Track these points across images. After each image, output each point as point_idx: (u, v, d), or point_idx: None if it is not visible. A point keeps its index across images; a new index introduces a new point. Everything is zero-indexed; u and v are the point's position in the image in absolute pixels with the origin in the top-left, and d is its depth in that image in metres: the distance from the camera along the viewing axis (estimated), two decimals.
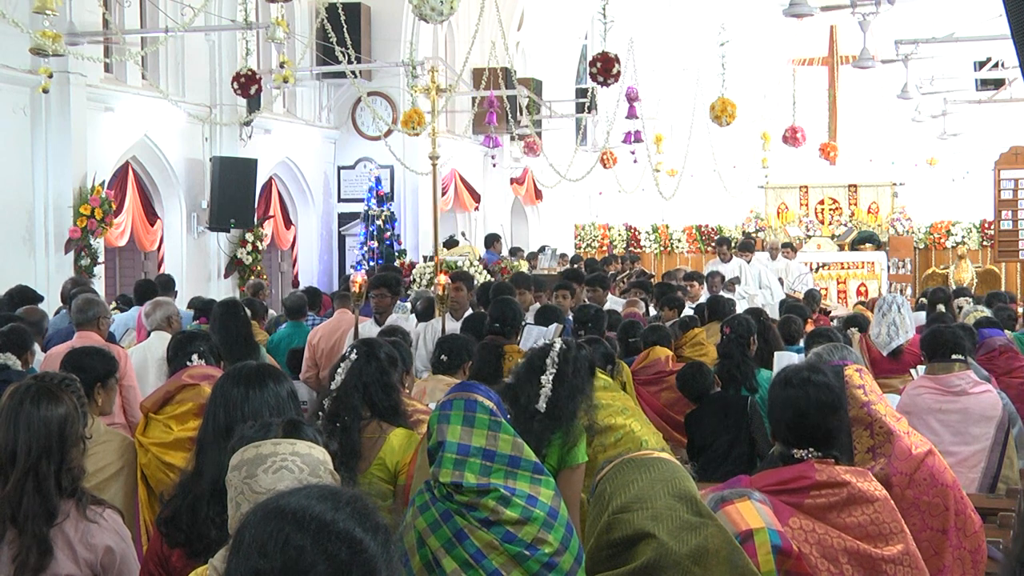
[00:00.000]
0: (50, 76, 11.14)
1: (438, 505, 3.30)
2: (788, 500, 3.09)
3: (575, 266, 16.11)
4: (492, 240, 17.33)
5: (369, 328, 7.91)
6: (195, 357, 5.04)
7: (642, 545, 2.18)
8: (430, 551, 3.28)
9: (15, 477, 3.10)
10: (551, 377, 4.15)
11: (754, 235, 21.53)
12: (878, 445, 4.00)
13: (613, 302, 10.78)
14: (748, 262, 14.91)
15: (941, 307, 8.99)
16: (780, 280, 15.47)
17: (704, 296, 11.35)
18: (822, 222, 22.91)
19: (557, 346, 4.24)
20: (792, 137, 19.76)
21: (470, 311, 8.60)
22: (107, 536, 3.18)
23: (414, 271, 13.69)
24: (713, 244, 20.22)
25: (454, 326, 7.89)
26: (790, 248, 16.94)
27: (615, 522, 2.22)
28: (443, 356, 5.67)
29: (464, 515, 3.26)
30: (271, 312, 11.62)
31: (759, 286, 14.54)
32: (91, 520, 3.15)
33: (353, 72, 13.35)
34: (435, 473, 3.32)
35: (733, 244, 15.68)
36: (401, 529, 3.45)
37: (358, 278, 7.50)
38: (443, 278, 7.87)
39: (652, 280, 14.39)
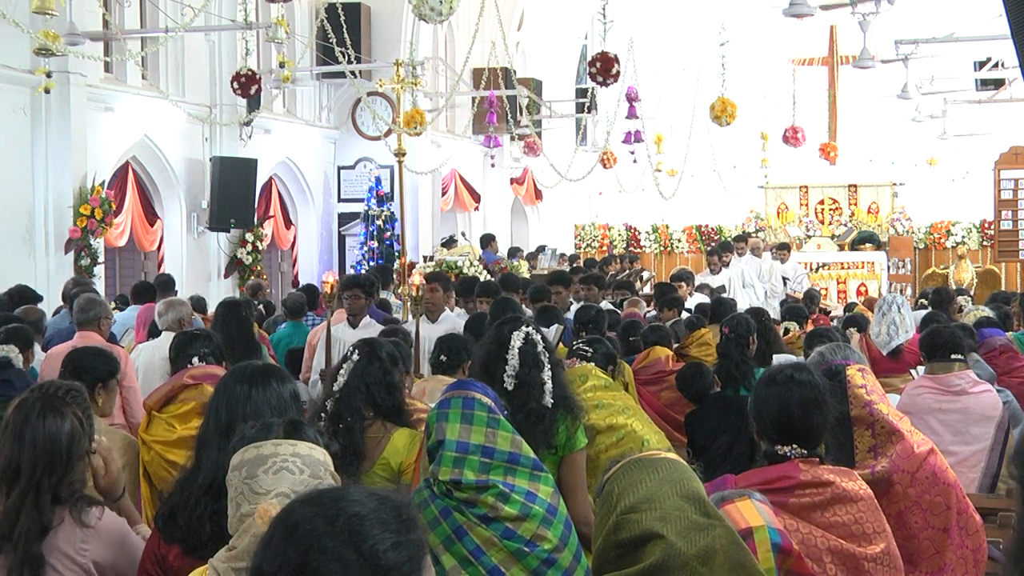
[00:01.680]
0: (48, 75, 11.14)
1: (437, 502, 3.31)
2: (773, 500, 3.10)
3: (561, 266, 16.12)
4: (488, 240, 17.35)
5: (342, 331, 7.69)
6: (195, 360, 5.04)
7: (650, 546, 2.18)
8: (429, 548, 3.29)
9: (17, 494, 3.07)
10: (550, 373, 4.10)
11: (755, 235, 21.52)
12: (880, 444, 4.00)
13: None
14: (728, 265, 14.65)
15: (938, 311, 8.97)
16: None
17: (691, 298, 11.29)
18: (822, 222, 22.91)
19: (536, 339, 4.13)
20: (792, 137, 19.77)
21: (446, 312, 8.36)
22: (103, 537, 3.16)
23: (414, 271, 13.69)
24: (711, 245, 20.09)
25: (430, 329, 7.71)
26: (783, 248, 16.62)
27: (623, 522, 2.22)
28: (442, 356, 5.65)
29: (463, 511, 3.27)
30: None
31: (743, 285, 14.47)
32: (86, 525, 3.13)
33: (353, 72, 13.34)
34: (434, 471, 3.33)
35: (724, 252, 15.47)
36: None
37: (330, 278, 7.08)
38: (417, 279, 7.45)
39: (646, 280, 14.34)
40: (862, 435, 4.02)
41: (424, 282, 8.03)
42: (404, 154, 8.33)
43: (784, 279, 15.42)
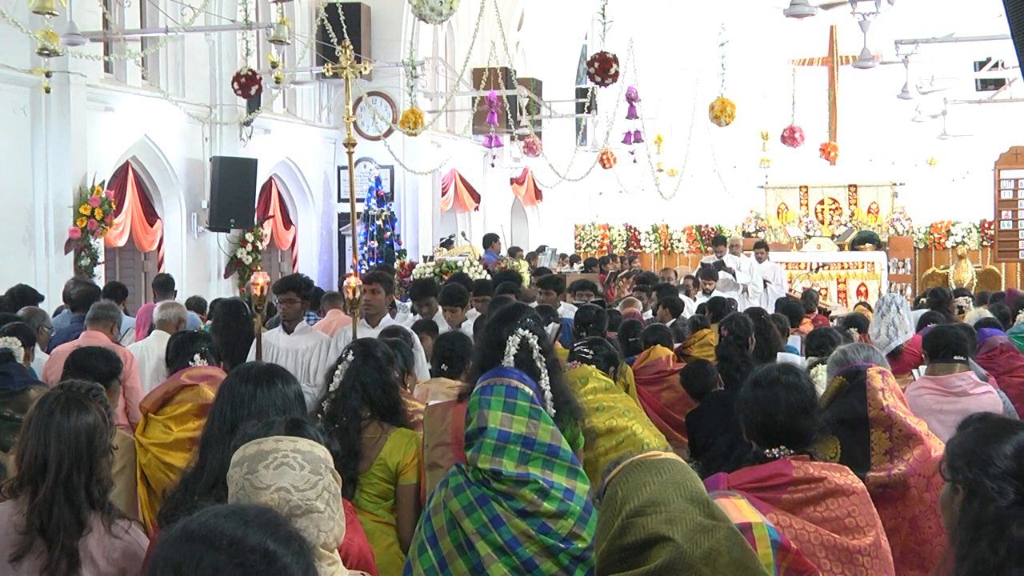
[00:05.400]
0: (48, 75, 11.13)
1: (473, 489, 3.32)
2: (765, 497, 3.10)
3: (562, 267, 16.09)
4: (491, 240, 17.35)
5: (275, 337, 7.15)
6: (197, 357, 5.03)
7: (657, 548, 2.18)
8: (463, 533, 3.31)
9: (46, 488, 3.07)
10: (547, 378, 3.91)
11: (754, 235, 21.54)
12: (896, 448, 4.01)
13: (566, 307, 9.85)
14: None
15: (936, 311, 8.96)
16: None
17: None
18: (822, 222, 22.91)
19: (533, 343, 3.92)
20: (790, 137, 19.74)
21: (388, 317, 7.68)
22: (129, 551, 3.16)
23: (414, 271, 13.70)
24: (711, 245, 20.03)
25: (370, 334, 7.21)
26: (763, 248, 16.42)
27: (629, 526, 2.22)
28: (443, 363, 5.58)
29: (501, 502, 3.28)
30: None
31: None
32: (115, 536, 3.14)
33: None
34: (473, 458, 3.34)
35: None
36: (429, 510, 3.47)
37: (259, 280, 6.31)
38: (353, 280, 6.66)
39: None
40: (879, 437, 4.02)
41: (361, 283, 7.11)
42: (354, 144, 7.85)
43: (765, 281, 15.35)
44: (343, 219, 18.62)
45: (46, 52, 9.70)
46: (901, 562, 3.71)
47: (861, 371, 4.19)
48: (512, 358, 3.83)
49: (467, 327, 7.76)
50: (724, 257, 15.26)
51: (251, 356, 6.75)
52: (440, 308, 8.52)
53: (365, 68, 8.36)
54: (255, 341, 6.61)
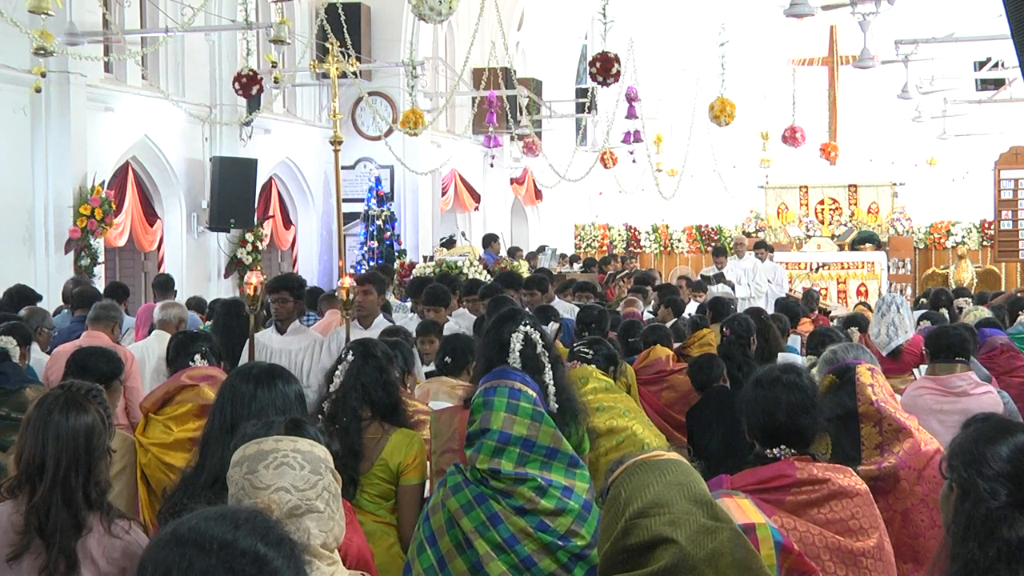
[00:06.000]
0: (43, 75, 11.12)
1: (471, 488, 3.33)
2: (769, 498, 3.10)
3: (562, 267, 16.08)
4: (490, 240, 17.35)
5: (268, 338, 6.99)
6: (198, 358, 5.02)
7: (660, 550, 2.18)
8: (461, 532, 3.31)
9: (44, 488, 3.06)
10: (551, 375, 3.94)
11: (754, 235, 21.53)
12: (887, 442, 4.02)
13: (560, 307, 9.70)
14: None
15: (944, 311, 8.95)
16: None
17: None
18: (822, 222, 22.90)
19: (536, 339, 3.93)
20: (791, 137, 19.74)
21: (380, 318, 7.53)
22: (130, 551, 3.15)
23: (414, 271, 13.70)
24: (712, 256, 20.03)
25: (362, 336, 7.02)
26: (764, 248, 16.42)
27: (632, 527, 2.22)
28: (447, 358, 5.59)
29: (499, 500, 3.29)
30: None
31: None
32: (115, 536, 3.12)
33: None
34: (472, 458, 3.36)
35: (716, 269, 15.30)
36: (427, 509, 3.47)
37: (253, 279, 6.18)
38: (347, 281, 6.49)
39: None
40: (870, 432, 4.04)
41: (354, 284, 7.13)
42: (341, 141, 7.76)
43: (767, 280, 15.37)
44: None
45: (42, 52, 9.70)
46: (895, 555, 3.72)
47: (851, 368, 4.21)
48: (517, 355, 3.85)
49: (449, 327, 7.73)
50: (724, 269, 15.20)
51: (244, 356, 6.67)
52: (429, 309, 8.47)
53: (353, 65, 8.34)
54: (248, 341, 6.54)
